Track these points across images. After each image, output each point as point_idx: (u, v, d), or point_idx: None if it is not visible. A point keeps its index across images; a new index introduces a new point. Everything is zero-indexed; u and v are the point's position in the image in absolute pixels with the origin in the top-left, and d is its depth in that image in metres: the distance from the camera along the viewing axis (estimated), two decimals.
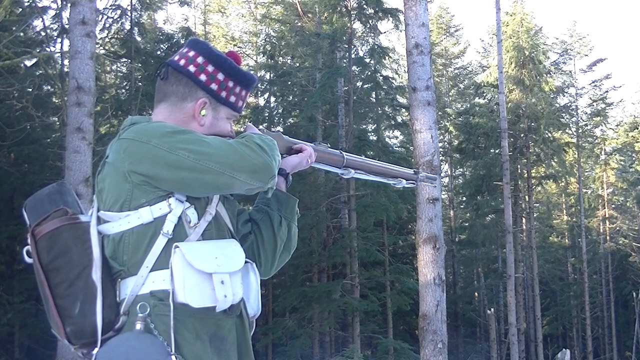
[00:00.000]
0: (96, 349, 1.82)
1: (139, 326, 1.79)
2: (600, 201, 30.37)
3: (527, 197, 24.36)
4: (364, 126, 22.24)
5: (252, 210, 2.21)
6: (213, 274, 1.83)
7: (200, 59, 2.00)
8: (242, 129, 2.14)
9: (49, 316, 1.86)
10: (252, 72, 2.16)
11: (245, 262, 1.96)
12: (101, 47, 17.70)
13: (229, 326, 1.91)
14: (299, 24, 22.15)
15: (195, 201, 1.92)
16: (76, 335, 1.83)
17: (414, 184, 2.64)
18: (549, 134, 23.75)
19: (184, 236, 1.87)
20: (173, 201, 1.87)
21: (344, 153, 2.42)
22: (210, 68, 1.99)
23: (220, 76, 2.00)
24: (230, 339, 1.92)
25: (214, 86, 1.99)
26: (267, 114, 22.97)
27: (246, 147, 1.87)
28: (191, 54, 2.01)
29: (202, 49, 2.02)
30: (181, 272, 1.80)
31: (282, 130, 20.67)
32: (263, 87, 23.17)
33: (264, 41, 25.47)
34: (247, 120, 21.19)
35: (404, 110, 20.75)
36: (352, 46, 19.23)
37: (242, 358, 1.96)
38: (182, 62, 2.00)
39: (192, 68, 1.99)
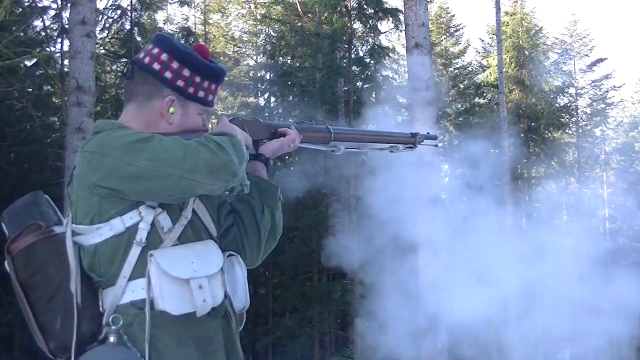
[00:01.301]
0: None
1: (112, 339, 1.78)
2: (600, 201, 30.35)
3: (527, 197, 24.34)
4: (364, 126, 22.17)
5: (233, 200, 2.15)
6: (190, 279, 1.80)
7: (164, 56, 1.93)
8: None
9: (32, 332, 1.84)
10: (220, 64, 2.07)
11: (230, 255, 1.95)
12: (101, 47, 17.69)
13: (214, 327, 1.90)
14: (299, 24, 22.12)
15: (168, 206, 1.87)
16: (60, 350, 1.82)
17: (412, 148, 2.51)
18: (549, 134, 23.75)
19: (158, 242, 1.84)
20: (143, 209, 1.83)
21: (331, 127, 2.34)
22: (175, 65, 1.92)
23: (186, 72, 1.93)
24: (218, 340, 1.90)
25: (180, 83, 1.93)
26: (267, 114, 22.94)
27: (204, 147, 1.79)
28: (155, 51, 1.94)
29: (166, 45, 1.94)
30: (158, 280, 1.78)
31: None
32: (263, 87, 23.14)
33: (264, 41, 25.42)
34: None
35: (404, 110, 20.73)
36: (352, 46, 19.23)
37: (229, 358, 1.94)
38: (146, 59, 1.94)
39: (156, 66, 1.92)
